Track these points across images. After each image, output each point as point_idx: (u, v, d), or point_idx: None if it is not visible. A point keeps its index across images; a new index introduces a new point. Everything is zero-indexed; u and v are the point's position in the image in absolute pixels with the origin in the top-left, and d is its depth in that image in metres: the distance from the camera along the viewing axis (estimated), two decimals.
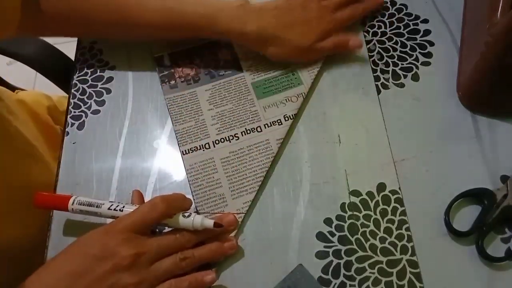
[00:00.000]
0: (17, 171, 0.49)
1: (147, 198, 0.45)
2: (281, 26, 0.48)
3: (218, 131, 0.47)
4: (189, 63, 0.52)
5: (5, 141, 0.49)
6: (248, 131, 0.47)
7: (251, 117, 0.48)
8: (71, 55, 0.57)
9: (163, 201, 0.39)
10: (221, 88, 0.50)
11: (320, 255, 0.42)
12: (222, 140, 0.47)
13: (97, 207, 0.41)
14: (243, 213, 0.43)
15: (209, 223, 0.39)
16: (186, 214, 0.40)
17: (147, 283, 0.37)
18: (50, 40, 0.64)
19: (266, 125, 0.47)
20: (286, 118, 0.47)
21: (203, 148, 0.47)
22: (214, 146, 0.47)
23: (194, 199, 0.44)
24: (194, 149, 0.47)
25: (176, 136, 0.48)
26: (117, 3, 0.48)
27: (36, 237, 0.46)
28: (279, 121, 0.47)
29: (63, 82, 0.60)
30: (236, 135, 0.47)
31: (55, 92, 0.71)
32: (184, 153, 0.47)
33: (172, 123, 0.49)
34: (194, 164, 0.46)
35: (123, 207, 0.40)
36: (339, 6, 0.51)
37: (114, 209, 0.40)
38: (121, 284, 0.36)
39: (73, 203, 0.41)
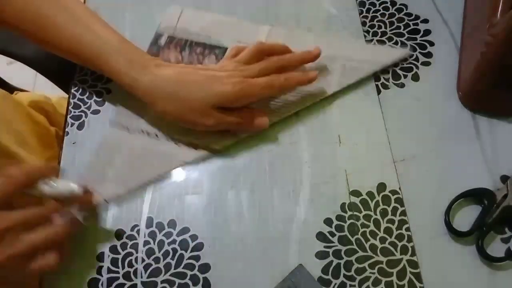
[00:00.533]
0: None
1: (147, 198, 0.45)
2: (176, 81, 0.43)
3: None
4: (178, 52, 0.53)
5: None
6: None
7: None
8: None
9: (20, 171, 0.37)
10: None
11: (320, 255, 0.42)
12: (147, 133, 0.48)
13: None
14: (106, 202, 0.44)
15: (76, 188, 0.38)
16: (50, 182, 0.38)
17: (19, 258, 0.35)
18: None
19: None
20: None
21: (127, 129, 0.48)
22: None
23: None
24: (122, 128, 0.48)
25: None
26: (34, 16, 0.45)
27: None
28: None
29: (63, 82, 0.60)
30: (157, 135, 0.48)
31: (55, 93, 0.71)
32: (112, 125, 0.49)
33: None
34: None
35: None
36: (264, 72, 0.45)
37: None
38: None
39: None
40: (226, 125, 0.44)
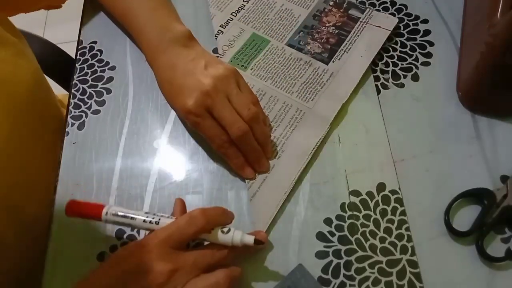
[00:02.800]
0: None
1: (147, 199, 0.45)
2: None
3: None
4: None
5: None
6: None
7: None
8: (72, 55, 0.57)
9: (202, 215, 0.37)
10: None
11: (320, 255, 0.42)
12: None
13: (131, 219, 0.39)
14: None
15: (250, 239, 0.38)
16: (225, 230, 0.38)
17: None
18: (52, 39, 0.64)
19: None
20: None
21: None
22: None
23: None
24: None
25: None
26: None
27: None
28: None
29: (65, 81, 0.60)
30: None
31: (57, 91, 0.71)
32: None
33: None
34: None
35: (159, 219, 0.39)
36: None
37: (150, 222, 0.39)
38: None
39: (106, 213, 0.39)
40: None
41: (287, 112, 0.48)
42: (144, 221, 0.39)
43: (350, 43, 0.52)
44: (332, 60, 0.51)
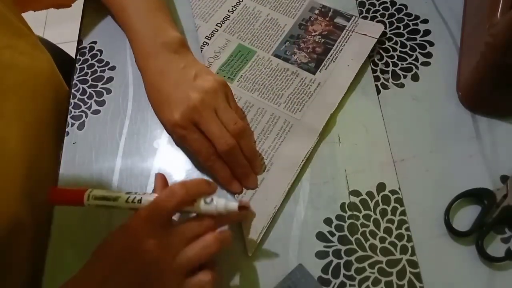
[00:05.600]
0: None
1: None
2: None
3: None
4: None
5: None
6: None
7: None
8: (72, 54, 0.57)
9: (182, 187, 0.37)
10: None
11: (320, 255, 0.42)
12: None
13: (113, 200, 0.39)
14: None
15: (233, 205, 0.38)
16: (208, 200, 0.38)
17: (176, 273, 0.36)
18: (52, 39, 0.64)
19: None
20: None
21: None
22: None
23: None
24: None
25: None
26: None
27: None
28: None
29: (65, 81, 0.60)
30: None
31: None
32: None
33: None
34: None
35: (141, 198, 0.39)
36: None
37: (132, 201, 0.39)
38: (152, 278, 0.36)
39: (88, 198, 0.39)
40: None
41: (275, 124, 0.47)
42: (127, 201, 0.39)
43: (337, 52, 0.51)
44: (319, 69, 0.50)
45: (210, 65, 0.51)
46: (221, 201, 0.38)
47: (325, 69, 0.50)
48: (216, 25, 0.54)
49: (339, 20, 0.54)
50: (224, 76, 0.50)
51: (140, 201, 0.39)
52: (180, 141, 0.45)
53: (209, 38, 0.53)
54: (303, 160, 0.45)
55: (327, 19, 0.54)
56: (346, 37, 0.52)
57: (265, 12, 0.55)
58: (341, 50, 0.51)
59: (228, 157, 0.43)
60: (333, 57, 0.51)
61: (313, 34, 0.53)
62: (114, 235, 0.38)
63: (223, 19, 0.55)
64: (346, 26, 0.53)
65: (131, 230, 0.37)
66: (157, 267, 0.36)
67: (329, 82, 0.50)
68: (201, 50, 0.52)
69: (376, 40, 0.51)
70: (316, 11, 0.55)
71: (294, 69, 0.51)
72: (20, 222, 0.42)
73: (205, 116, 0.43)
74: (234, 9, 0.55)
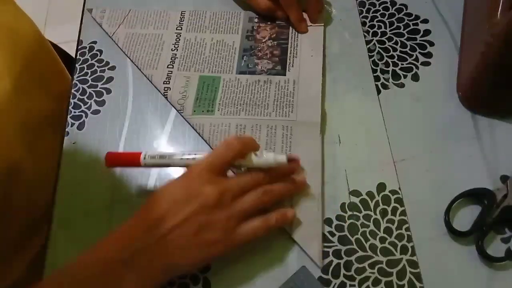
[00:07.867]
0: None
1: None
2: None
3: None
4: None
5: None
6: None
7: None
8: (72, 54, 0.57)
9: (238, 140, 0.40)
10: None
11: None
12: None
13: (168, 158, 0.42)
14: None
15: (282, 158, 0.40)
16: (258, 153, 0.41)
17: (235, 218, 0.38)
18: (52, 39, 0.64)
19: None
20: None
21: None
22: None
23: None
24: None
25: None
26: None
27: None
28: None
29: None
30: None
31: None
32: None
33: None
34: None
35: (195, 154, 0.41)
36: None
37: (187, 158, 0.41)
38: (211, 221, 0.37)
39: (144, 157, 0.42)
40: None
41: (275, 133, 0.47)
42: (181, 158, 0.42)
43: (294, 47, 0.52)
44: (287, 69, 0.51)
45: (183, 107, 0.49)
46: (270, 154, 0.40)
47: (292, 66, 0.51)
48: (167, 67, 0.52)
49: (280, 21, 0.55)
50: (203, 111, 0.48)
51: (194, 159, 0.41)
52: None
53: (168, 82, 0.51)
54: (322, 157, 0.46)
55: (268, 23, 0.55)
56: (294, 32, 0.54)
57: (208, 38, 0.54)
58: (297, 45, 0.52)
59: None
60: (294, 53, 0.52)
61: (263, 40, 0.53)
62: (174, 182, 0.39)
63: (171, 59, 0.52)
64: (289, 24, 0.54)
65: (192, 177, 0.39)
66: (215, 210, 0.37)
67: (303, 76, 0.50)
68: (166, 97, 0.50)
69: (322, 26, 0.53)
70: (256, 20, 0.55)
71: (265, 78, 0.50)
72: (20, 166, 0.45)
73: None
74: (176, 46, 0.53)
